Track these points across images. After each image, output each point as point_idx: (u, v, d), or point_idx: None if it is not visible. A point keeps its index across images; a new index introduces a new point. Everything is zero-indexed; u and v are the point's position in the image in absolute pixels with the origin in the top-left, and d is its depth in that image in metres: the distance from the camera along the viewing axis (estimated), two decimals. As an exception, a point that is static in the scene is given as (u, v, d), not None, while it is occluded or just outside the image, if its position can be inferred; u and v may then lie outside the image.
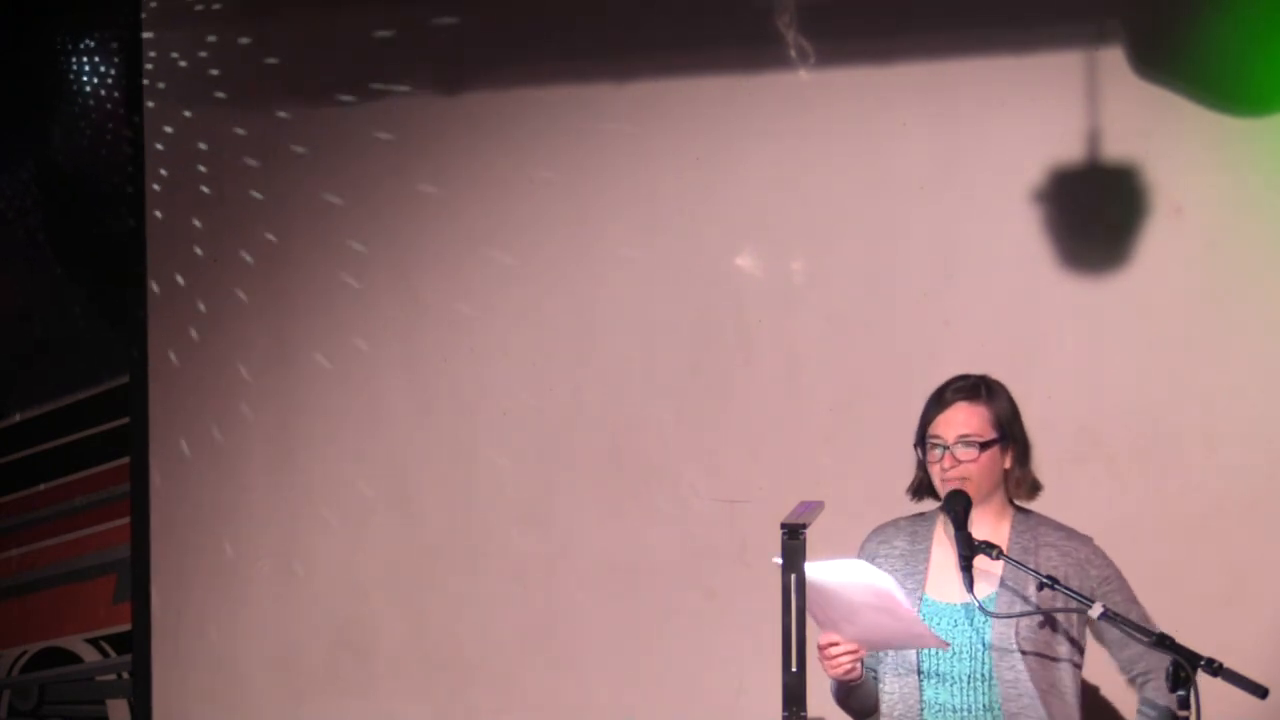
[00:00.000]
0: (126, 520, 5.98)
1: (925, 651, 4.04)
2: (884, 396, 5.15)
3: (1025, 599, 4.01)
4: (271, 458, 5.81)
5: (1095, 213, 5.11)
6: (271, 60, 5.82)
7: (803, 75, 5.35)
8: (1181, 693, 3.75)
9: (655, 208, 5.47)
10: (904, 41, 5.25)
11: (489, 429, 5.61)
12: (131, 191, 5.96)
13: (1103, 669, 4.25)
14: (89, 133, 6.05)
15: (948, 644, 4.00)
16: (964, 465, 4.04)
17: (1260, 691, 3.79)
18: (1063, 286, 5.12)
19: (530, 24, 5.58)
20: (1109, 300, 5.09)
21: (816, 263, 5.33)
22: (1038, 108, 5.12)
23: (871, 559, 4.16)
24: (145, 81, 5.94)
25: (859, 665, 4.01)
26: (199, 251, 5.90)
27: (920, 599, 4.07)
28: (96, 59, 6.05)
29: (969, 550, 3.94)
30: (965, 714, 4.02)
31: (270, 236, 5.83)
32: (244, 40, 5.85)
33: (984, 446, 4.04)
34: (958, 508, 4.00)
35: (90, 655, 6.05)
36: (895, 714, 4.08)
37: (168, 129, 5.93)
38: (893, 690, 4.09)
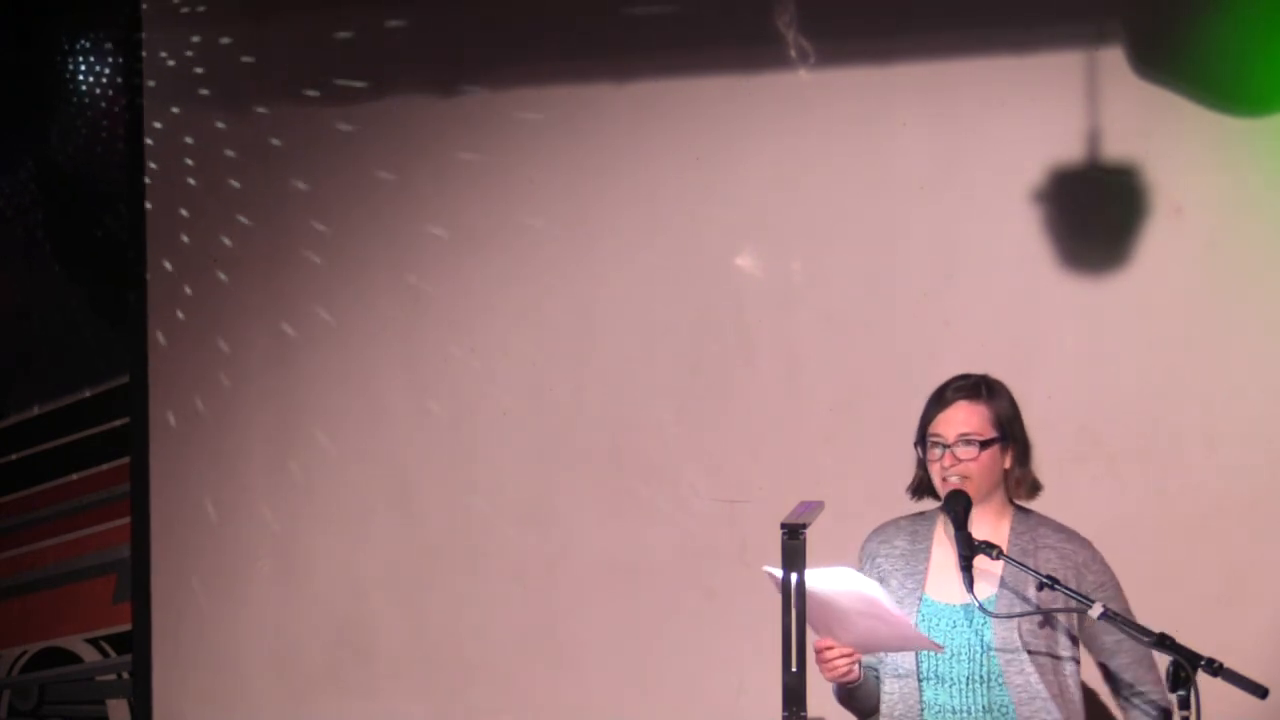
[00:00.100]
0: (126, 520, 5.98)
1: (925, 652, 4.04)
2: (884, 396, 5.15)
3: (1025, 599, 4.01)
4: (272, 457, 5.81)
5: (1095, 213, 5.11)
6: (271, 60, 5.82)
7: (803, 75, 5.35)
8: (1181, 693, 3.75)
9: (655, 208, 5.47)
10: (904, 41, 5.25)
11: (489, 429, 5.61)
12: (131, 191, 5.96)
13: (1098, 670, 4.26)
14: (88, 132, 6.05)
15: (942, 647, 4.00)
16: (964, 464, 4.04)
17: (1260, 691, 3.79)
18: (1063, 286, 5.12)
19: (530, 24, 5.58)
20: (1109, 300, 5.09)
21: (816, 263, 5.33)
22: (1038, 108, 5.12)
23: (872, 558, 4.16)
24: (145, 82, 5.94)
25: (856, 668, 4.01)
26: (198, 250, 5.90)
27: (919, 599, 4.07)
28: (95, 59, 6.05)
29: (969, 550, 3.94)
30: (964, 715, 4.01)
31: (271, 237, 5.83)
32: (244, 41, 5.85)
33: (984, 445, 4.04)
34: (958, 508, 4.00)
35: (90, 655, 6.05)
36: (895, 715, 4.08)
37: (167, 129, 5.92)
38: (892, 691, 4.09)
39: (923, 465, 4.13)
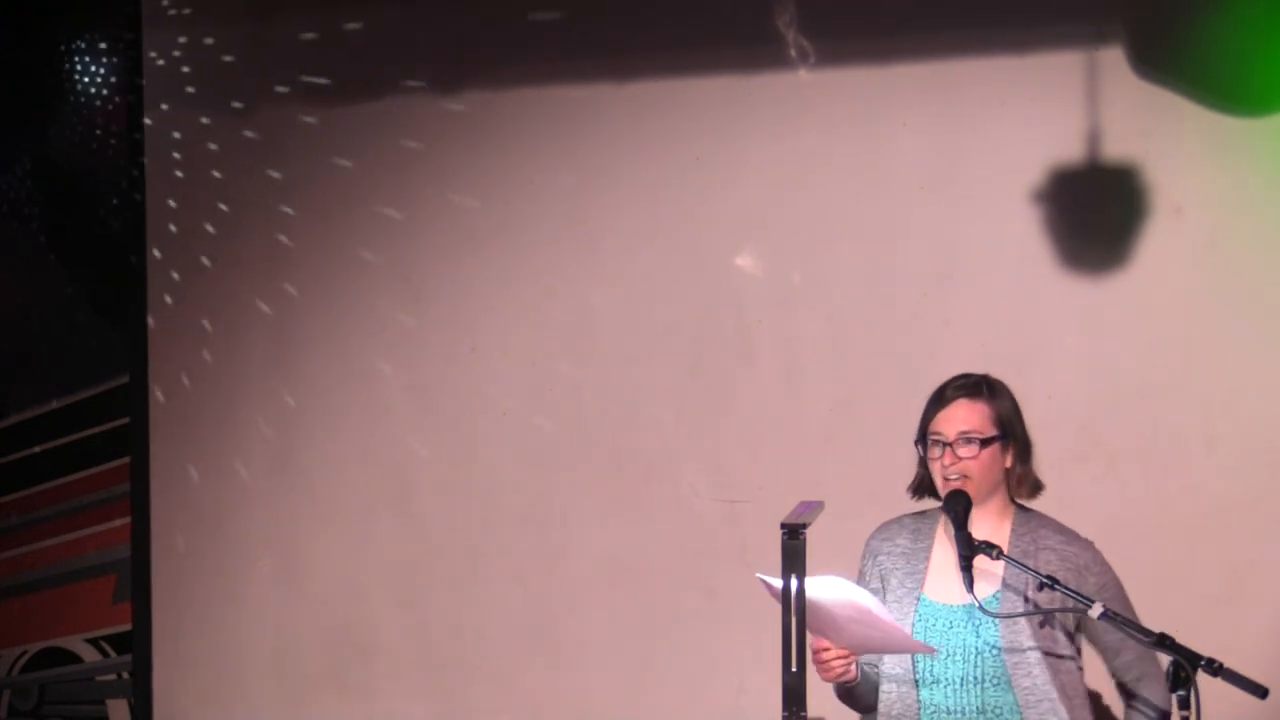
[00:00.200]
0: (126, 520, 5.98)
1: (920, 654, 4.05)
2: (884, 396, 5.15)
3: (1026, 599, 4.01)
4: (272, 458, 5.81)
5: (1095, 213, 5.11)
6: (272, 60, 5.82)
7: (803, 75, 5.35)
8: (1181, 693, 3.75)
9: (655, 208, 5.47)
10: (904, 41, 5.25)
11: (489, 429, 5.61)
12: (131, 191, 5.96)
13: (1104, 669, 4.25)
14: (88, 132, 6.05)
15: (934, 650, 4.00)
16: (964, 462, 4.04)
17: (1260, 691, 3.79)
18: (1063, 286, 5.12)
19: (530, 24, 5.58)
20: (1109, 300, 5.09)
21: (816, 263, 5.33)
22: (1038, 108, 5.12)
23: (874, 556, 4.17)
24: (144, 81, 5.94)
25: (852, 668, 4.01)
26: (199, 252, 5.90)
27: (917, 599, 4.07)
28: (96, 59, 6.05)
29: (969, 550, 3.94)
30: (960, 715, 4.01)
31: (270, 236, 5.83)
32: (244, 40, 5.85)
33: (985, 443, 4.04)
34: (958, 508, 4.00)
35: (90, 655, 6.05)
36: (893, 714, 4.08)
37: (167, 128, 5.92)
38: (889, 691, 4.09)
39: (923, 464, 4.13)
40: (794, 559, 3.60)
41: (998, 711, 4.00)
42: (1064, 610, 3.99)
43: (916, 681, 4.05)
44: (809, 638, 3.75)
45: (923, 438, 4.11)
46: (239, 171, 5.86)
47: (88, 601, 6.05)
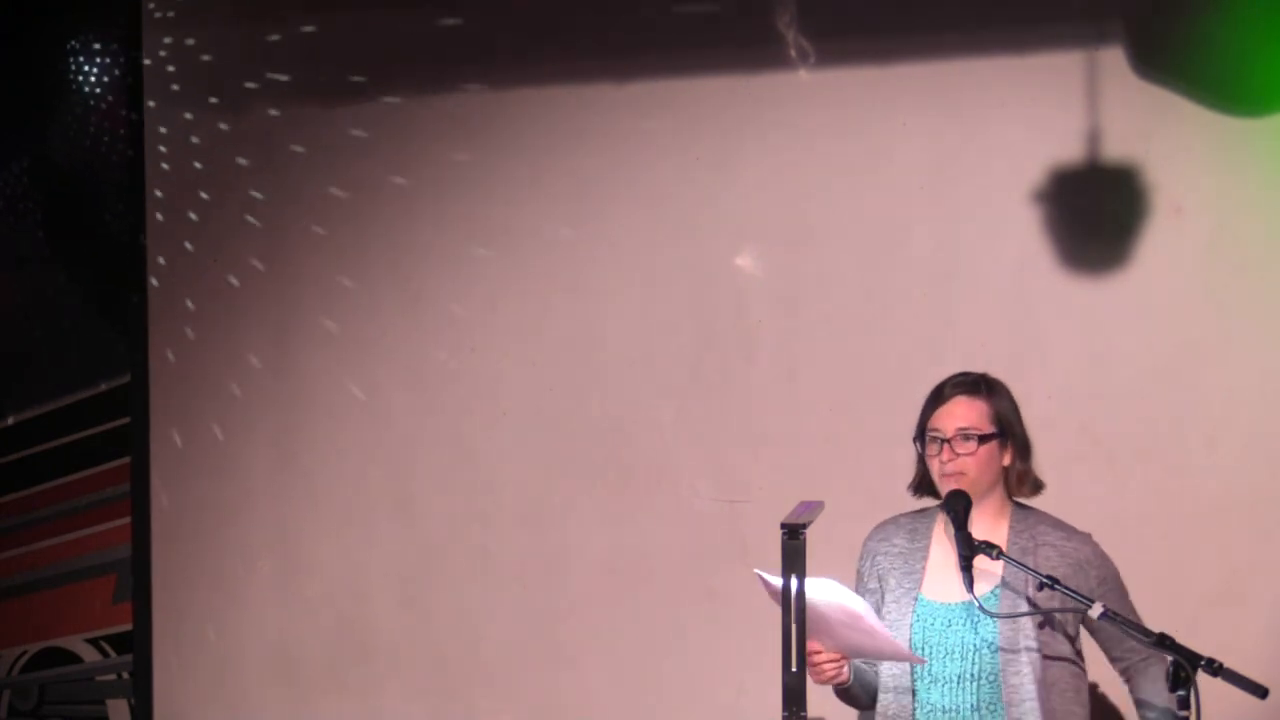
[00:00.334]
0: (126, 520, 5.98)
1: (919, 650, 4.04)
2: (884, 396, 5.15)
3: (1025, 598, 4.01)
4: (272, 458, 5.81)
5: (1095, 213, 5.11)
6: (271, 60, 5.82)
7: (803, 75, 5.35)
8: (1181, 693, 3.75)
9: (655, 208, 5.47)
10: (904, 41, 5.25)
11: (489, 429, 5.61)
12: (131, 191, 5.96)
13: (1105, 668, 4.25)
14: (89, 132, 6.05)
15: (923, 660, 4.01)
16: (962, 459, 4.04)
17: (1260, 691, 3.79)
18: (1063, 286, 5.12)
19: (530, 24, 5.58)
20: (1109, 300, 5.09)
21: (816, 263, 5.33)
22: (1038, 108, 5.12)
23: (872, 556, 4.17)
24: (144, 81, 5.94)
25: (844, 670, 4.02)
26: (198, 251, 5.90)
27: (915, 598, 4.08)
28: (96, 59, 6.05)
29: (969, 550, 3.94)
30: (954, 714, 4.02)
31: (269, 237, 5.83)
32: (243, 40, 5.85)
33: (982, 440, 4.05)
34: (958, 507, 4.01)
35: (90, 655, 6.05)
36: (890, 713, 4.09)
37: (167, 129, 5.93)
38: (887, 691, 4.09)
39: (922, 461, 4.14)
40: (794, 559, 3.60)
41: (992, 709, 4.00)
42: (1064, 610, 3.99)
43: (914, 680, 4.05)
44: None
45: (921, 435, 4.12)
46: (240, 172, 5.86)
47: (88, 601, 6.05)
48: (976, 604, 3.95)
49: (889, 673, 4.09)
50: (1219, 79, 4.99)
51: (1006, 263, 5.16)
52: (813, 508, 3.69)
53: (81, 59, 6.05)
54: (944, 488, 4.07)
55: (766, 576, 3.86)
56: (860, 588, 4.18)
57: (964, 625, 4.03)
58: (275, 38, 5.82)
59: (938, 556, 4.11)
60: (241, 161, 5.85)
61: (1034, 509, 4.16)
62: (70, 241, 6.09)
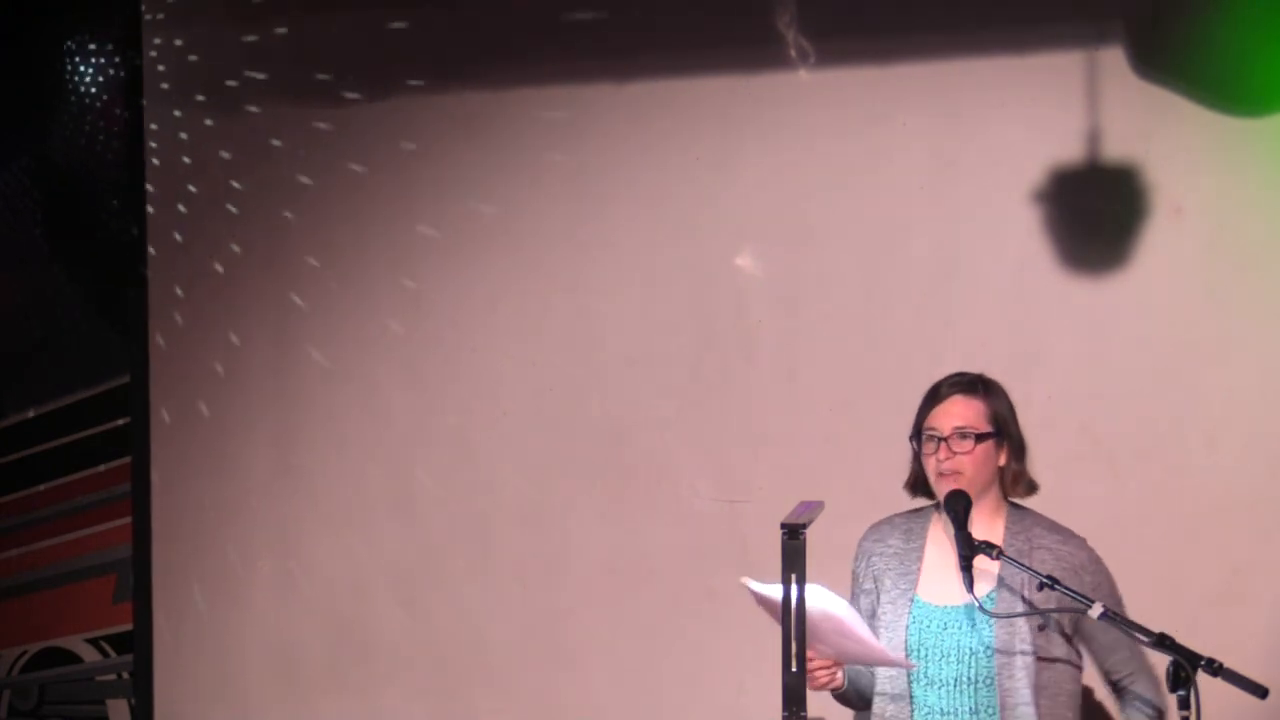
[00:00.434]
0: (126, 520, 5.98)
1: (915, 653, 4.05)
2: (884, 396, 5.15)
3: (1024, 599, 4.01)
4: (272, 458, 5.81)
5: (1095, 213, 5.11)
6: (270, 60, 5.82)
7: (803, 75, 5.35)
8: (1181, 693, 3.75)
9: (655, 208, 5.47)
10: (904, 41, 5.25)
11: (489, 429, 5.61)
12: (131, 191, 5.96)
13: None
14: (88, 132, 6.05)
15: (913, 664, 4.01)
16: (959, 458, 4.05)
17: (1260, 691, 3.79)
18: (1063, 286, 5.12)
19: (529, 24, 5.58)
20: (1109, 300, 5.09)
21: (816, 263, 5.33)
22: (1038, 108, 5.12)
23: (867, 556, 4.17)
24: (144, 81, 5.94)
25: (838, 675, 4.03)
26: (200, 252, 5.90)
27: (911, 600, 4.08)
28: (96, 59, 6.05)
29: (969, 550, 3.94)
30: (951, 717, 4.02)
31: (268, 239, 5.83)
32: (244, 40, 5.85)
33: (979, 439, 4.05)
34: (958, 508, 4.01)
35: (90, 655, 6.05)
36: (887, 714, 4.09)
37: (167, 129, 5.93)
38: (883, 692, 4.09)
39: (917, 460, 4.14)
40: (794, 559, 3.60)
41: (989, 712, 4.00)
42: (1063, 610, 3.99)
43: (910, 684, 4.05)
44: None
45: (917, 433, 4.13)
46: (241, 172, 5.86)
47: (88, 601, 6.05)
48: (976, 604, 3.95)
49: (885, 676, 4.09)
50: (1219, 79, 4.99)
51: (1006, 263, 5.16)
52: (813, 508, 3.69)
53: (81, 59, 6.05)
54: (940, 487, 4.07)
55: (754, 586, 3.86)
56: (855, 588, 4.19)
57: (960, 628, 4.03)
58: (275, 37, 5.81)
59: (933, 557, 4.11)
60: (241, 161, 5.85)
61: (1030, 510, 4.16)
62: (70, 241, 6.09)
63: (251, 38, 5.84)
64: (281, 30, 5.81)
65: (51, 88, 6.06)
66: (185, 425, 5.90)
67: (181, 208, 5.92)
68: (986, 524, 4.09)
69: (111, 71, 6.03)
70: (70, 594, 6.07)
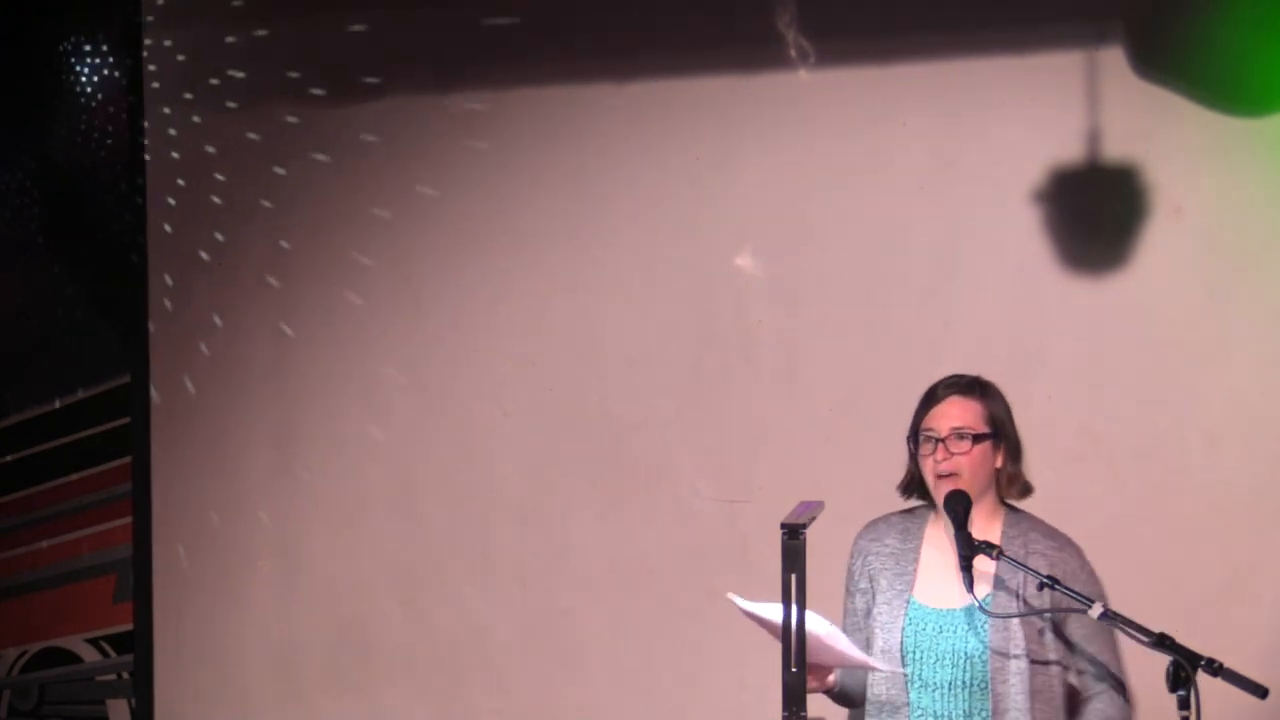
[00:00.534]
0: (127, 520, 5.98)
1: (911, 655, 4.04)
2: (884, 396, 5.14)
3: (1022, 600, 4.01)
4: (273, 458, 5.81)
5: (1095, 213, 5.11)
6: (272, 61, 5.82)
7: (803, 75, 5.35)
8: (1181, 693, 3.75)
9: (655, 208, 5.47)
10: (904, 41, 5.25)
11: (489, 429, 5.61)
12: (131, 191, 5.96)
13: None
14: (89, 132, 6.05)
15: (884, 668, 4.00)
16: (956, 459, 4.04)
17: (1260, 691, 3.78)
18: (1063, 286, 5.12)
19: (530, 24, 5.58)
20: (1109, 300, 5.09)
21: (816, 263, 5.33)
22: (1038, 108, 5.12)
23: (863, 555, 4.16)
24: (144, 81, 5.94)
25: (827, 679, 4.03)
26: (199, 252, 5.90)
27: (907, 601, 4.07)
28: (96, 59, 6.05)
29: (969, 550, 3.94)
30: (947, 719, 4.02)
31: (271, 237, 5.83)
32: (244, 41, 5.85)
33: (977, 439, 4.04)
34: (958, 508, 4.00)
35: (90, 655, 6.05)
36: (883, 716, 4.08)
37: (167, 129, 5.93)
38: (880, 693, 4.09)
39: (914, 460, 4.14)
40: (794, 559, 3.60)
41: (983, 716, 4.00)
42: (1063, 610, 3.99)
43: (906, 681, 4.05)
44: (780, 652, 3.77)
45: (914, 435, 4.12)
46: (239, 172, 5.86)
47: (88, 601, 6.05)
48: (977, 604, 3.95)
49: (879, 680, 4.07)
50: (1219, 79, 5.00)
51: (1006, 263, 5.16)
52: (813, 508, 3.69)
53: (81, 59, 6.05)
54: (938, 488, 4.07)
55: (741, 602, 3.87)
56: (851, 586, 4.18)
57: (955, 632, 4.02)
58: (277, 38, 5.81)
59: (930, 558, 4.10)
60: (242, 162, 5.85)
61: (1026, 514, 4.15)
62: (70, 241, 6.10)
63: (251, 38, 5.85)
64: (282, 30, 5.81)
65: (52, 88, 6.06)
66: (186, 425, 5.90)
67: (182, 207, 5.91)
68: (983, 526, 4.08)
69: (112, 71, 6.02)
70: (70, 594, 6.07)
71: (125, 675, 6.00)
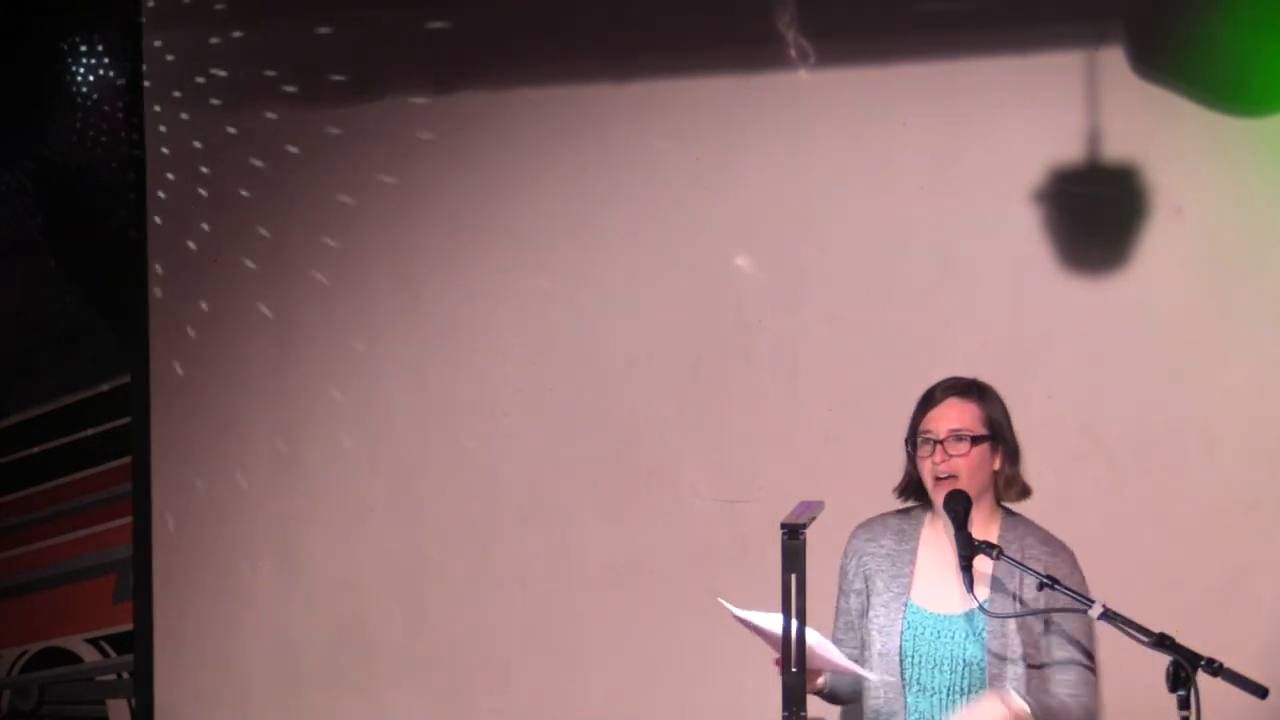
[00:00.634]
0: (127, 520, 5.98)
1: (909, 660, 4.04)
2: (884, 396, 5.14)
3: (1020, 602, 4.01)
4: (272, 457, 5.81)
5: (1095, 213, 5.11)
6: (271, 60, 5.82)
7: (803, 75, 5.35)
8: (1181, 693, 3.75)
9: (655, 208, 5.47)
10: (904, 41, 5.25)
11: (489, 429, 5.61)
12: (131, 192, 5.96)
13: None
14: (89, 132, 6.05)
15: (869, 675, 4.00)
16: (954, 460, 4.04)
17: (1260, 691, 3.78)
18: (1063, 286, 5.12)
19: (530, 24, 5.58)
20: (1109, 300, 5.09)
21: (816, 263, 5.33)
22: (1038, 108, 5.12)
23: (859, 555, 4.16)
24: (145, 81, 5.94)
25: (817, 680, 4.03)
26: (199, 251, 5.90)
27: (904, 604, 4.07)
28: (96, 59, 6.05)
29: (970, 550, 3.94)
30: (943, 725, 4.03)
31: (270, 236, 5.83)
32: (244, 40, 5.85)
33: (975, 441, 4.05)
34: (958, 508, 4.00)
35: (90, 655, 6.05)
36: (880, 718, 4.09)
37: (167, 129, 5.93)
38: (878, 695, 4.09)
39: (912, 462, 4.14)
40: (794, 559, 3.60)
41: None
42: (1063, 610, 3.99)
43: (904, 684, 4.05)
44: (772, 656, 3.77)
45: (912, 437, 4.12)
46: (239, 171, 5.86)
47: (88, 601, 6.05)
48: (978, 605, 3.95)
49: (876, 685, 4.07)
50: (1219, 79, 5.00)
51: (1006, 263, 5.16)
52: (813, 508, 3.69)
53: (81, 59, 6.05)
54: (936, 490, 4.07)
55: (734, 610, 3.87)
56: (845, 586, 4.18)
57: (954, 638, 4.02)
58: (276, 38, 5.82)
59: (926, 560, 4.10)
60: (241, 161, 5.85)
61: (1023, 518, 4.15)
62: (70, 242, 6.09)
63: (250, 38, 5.84)
64: (282, 31, 5.81)
65: (52, 88, 6.06)
66: (185, 424, 5.90)
67: (182, 207, 5.91)
68: (981, 529, 4.08)
69: (112, 71, 6.02)
70: (70, 594, 6.07)
71: (125, 675, 6.00)
